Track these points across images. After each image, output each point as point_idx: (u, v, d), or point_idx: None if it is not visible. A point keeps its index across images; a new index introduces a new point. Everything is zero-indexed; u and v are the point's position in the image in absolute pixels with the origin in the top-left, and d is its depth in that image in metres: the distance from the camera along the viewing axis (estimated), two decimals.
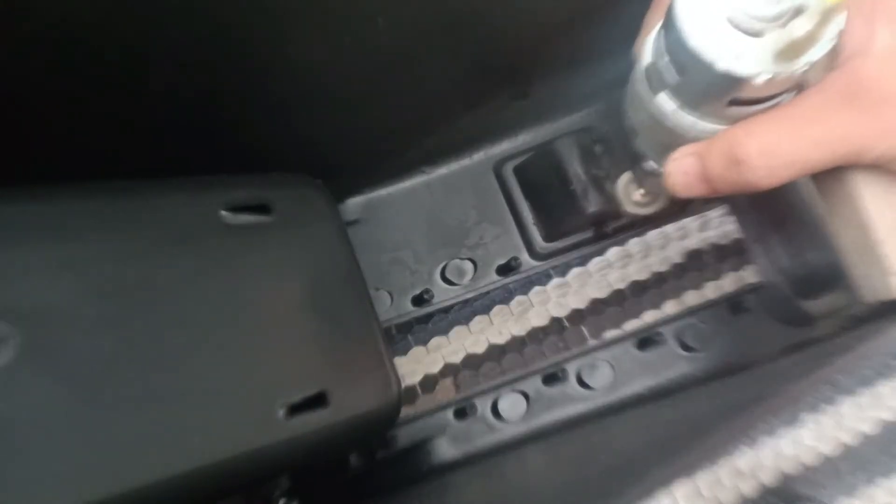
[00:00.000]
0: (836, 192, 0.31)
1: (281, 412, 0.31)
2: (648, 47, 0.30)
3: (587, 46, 0.43)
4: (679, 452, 0.27)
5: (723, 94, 0.27)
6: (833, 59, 0.28)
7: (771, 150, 0.28)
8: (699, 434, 0.28)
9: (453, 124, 0.46)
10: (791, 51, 0.25)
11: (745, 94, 0.27)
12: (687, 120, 0.30)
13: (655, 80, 0.30)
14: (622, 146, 0.40)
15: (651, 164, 0.38)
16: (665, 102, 0.30)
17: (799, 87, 0.29)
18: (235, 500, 0.37)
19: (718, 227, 0.50)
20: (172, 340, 0.29)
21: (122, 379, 0.28)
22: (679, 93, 0.29)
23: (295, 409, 0.31)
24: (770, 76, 0.25)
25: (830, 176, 0.31)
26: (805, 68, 0.26)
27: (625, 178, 0.44)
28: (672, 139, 0.31)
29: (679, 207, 0.49)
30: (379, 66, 0.38)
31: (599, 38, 0.42)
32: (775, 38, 0.25)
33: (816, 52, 0.25)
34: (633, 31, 0.35)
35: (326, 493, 0.45)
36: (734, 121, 0.29)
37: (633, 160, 0.40)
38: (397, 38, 0.36)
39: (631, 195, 0.45)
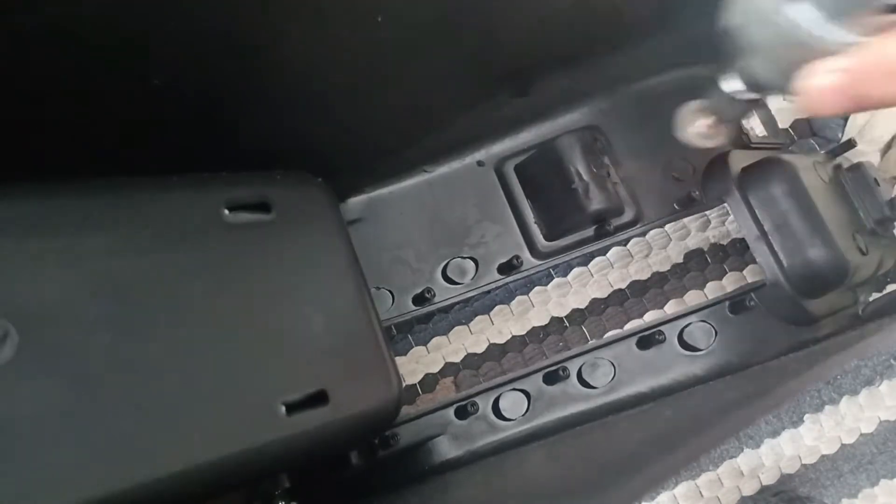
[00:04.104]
0: None
1: (281, 409, 0.31)
2: None
3: (587, 43, 0.43)
4: (679, 449, 0.27)
5: None
6: None
7: None
8: (700, 430, 0.28)
9: (454, 122, 0.46)
10: None
11: None
12: (828, 32, 0.28)
13: None
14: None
15: (739, 88, 0.34)
16: (805, 12, 0.28)
17: None
18: (236, 499, 0.37)
19: (719, 226, 0.49)
20: (173, 338, 0.29)
21: (122, 376, 0.28)
22: (825, 2, 0.27)
23: (295, 407, 0.31)
24: None
25: None
26: None
27: (692, 105, 0.41)
28: (802, 55, 0.29)
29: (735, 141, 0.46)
30: (379, 64, 0.38)
31: (599, 35, 0.42)
32: None
33: None
34: (633, 29, 0.35)
35: (327, 492, 0.45)
36: (880, 32, 0.27)
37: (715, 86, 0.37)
38: (397, 35, 0.36)
39: (694, 124, 0.41)
